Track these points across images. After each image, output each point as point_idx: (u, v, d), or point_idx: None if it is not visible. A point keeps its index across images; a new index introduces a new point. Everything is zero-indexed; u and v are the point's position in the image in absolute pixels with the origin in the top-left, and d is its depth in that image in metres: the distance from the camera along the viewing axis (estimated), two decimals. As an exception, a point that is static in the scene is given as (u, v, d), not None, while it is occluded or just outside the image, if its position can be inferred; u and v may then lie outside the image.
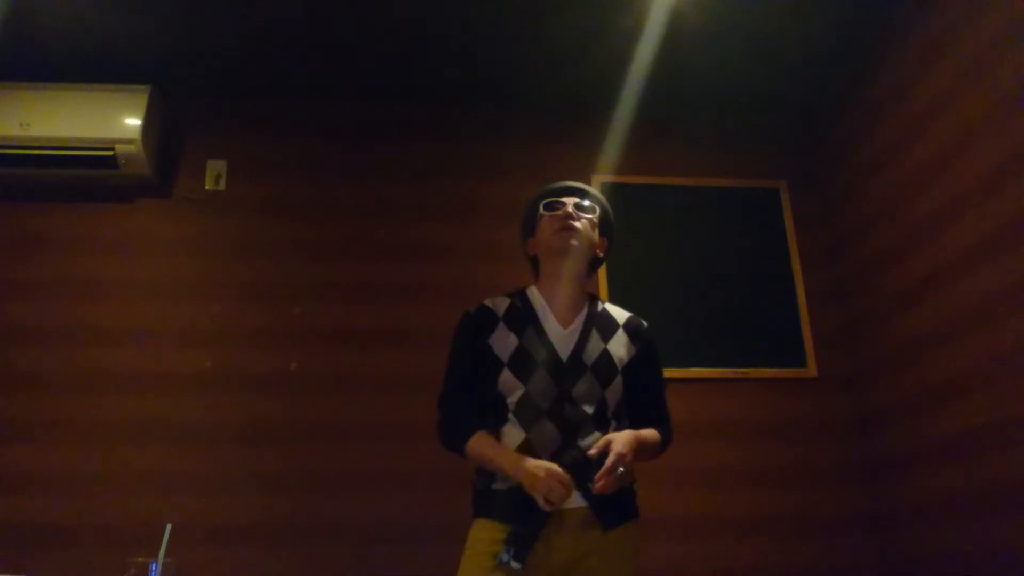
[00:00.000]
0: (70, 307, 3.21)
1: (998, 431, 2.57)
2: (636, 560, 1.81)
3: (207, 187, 3.45)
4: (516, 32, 3.29)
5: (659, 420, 1.94)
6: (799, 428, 3.33)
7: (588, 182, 3.60)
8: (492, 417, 1.85)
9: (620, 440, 1.71)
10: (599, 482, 1.66)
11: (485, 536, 1.75)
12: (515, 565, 1.65)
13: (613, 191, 3.60)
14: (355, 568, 2.96)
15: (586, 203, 1.95)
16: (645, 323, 2.00)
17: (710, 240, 3.58)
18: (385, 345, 3.26)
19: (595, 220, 1.96)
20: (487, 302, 1.95)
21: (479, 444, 1.80)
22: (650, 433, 1.86)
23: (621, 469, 1.67)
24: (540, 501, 1.67)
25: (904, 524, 3.06)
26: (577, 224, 1.90)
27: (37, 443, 3.02)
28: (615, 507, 1.79)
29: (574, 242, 1.89)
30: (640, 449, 1.78)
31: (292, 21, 3.21)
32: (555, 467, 1.68)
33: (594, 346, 1.87)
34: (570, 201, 1.93)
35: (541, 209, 1.95)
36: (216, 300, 3.28)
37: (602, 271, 3.45)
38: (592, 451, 1.70)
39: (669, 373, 3.29)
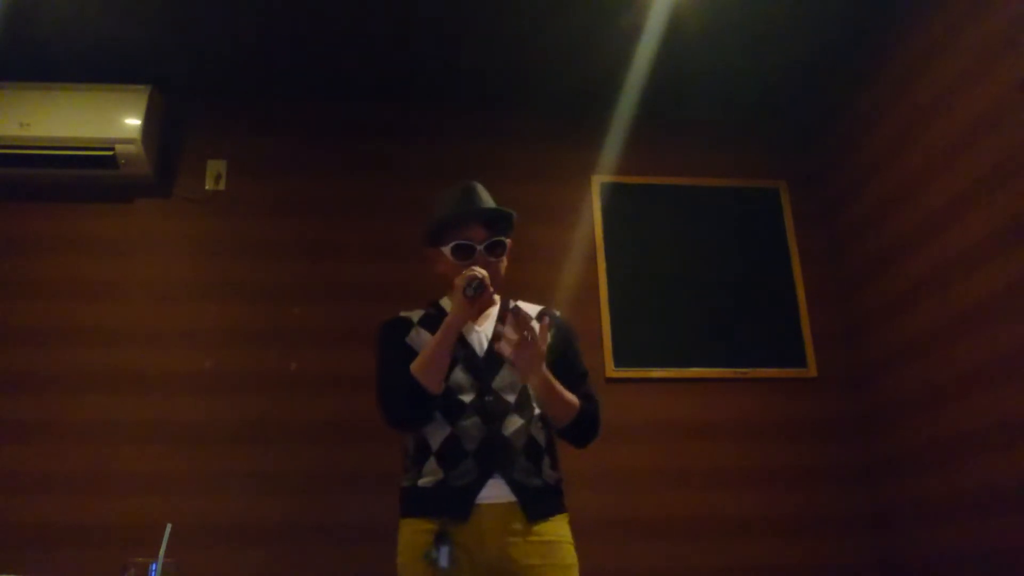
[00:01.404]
0: (70, 307, 3.20)
1: (998, 431, 2.57)
2: (572, 553, 1.82)
3: (207, 187, 3.45)
4: (516, 32, 3.29)
5: (582, 399, 1.92)
6: (799, 428, 3.33)
7: (588, 182, 3.60)
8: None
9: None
10: (505, 329, 1.70)
11: (417, 539, 1.76)
12: (443, 564, 1.65)
13: (613, 191, 3.60)
14: (356, 567, 2.96)
15: (498, 241, 1.89)
16: (557, 312, 2.04)
17: (710, 240, 3.58)
18: (385, 345, 3.25)
19: (505, 256, 1.92)
20: (403, 313, 1.99)
21: (415, 362, 1.80)
22: (568, 393, 1.86)
23: (528, 332, 1.68)
24: (469, 291, 1.73)
25: (904, 524, 3.06)
26: (490, 284, 1.83)
27: (37, 443, 3.02)
28: (542, 501, 1.82)
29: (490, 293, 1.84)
30: (552, 386, 1.80)
31: (292, 21, 3.21)
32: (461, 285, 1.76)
33: None
34: (480, 243, 1.88)
35: (449, 253, 1.90)
36: (216, 300, 3.28)
37: (602, 271, 3.45)
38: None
39: (670, 373, 3.34)
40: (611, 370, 3.33)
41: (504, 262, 1.95)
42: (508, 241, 1.93)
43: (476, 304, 1.78)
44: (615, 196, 3.60)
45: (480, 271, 1.78)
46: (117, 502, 2.96)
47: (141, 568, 1.43)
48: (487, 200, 1.98)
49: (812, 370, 3.42)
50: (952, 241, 2.81)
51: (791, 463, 3.28)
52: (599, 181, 3.61)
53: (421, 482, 1.82)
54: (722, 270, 3.54)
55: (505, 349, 1.73)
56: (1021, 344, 2.49)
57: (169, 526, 1.50)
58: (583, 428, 1.91)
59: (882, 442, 3.22)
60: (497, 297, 2.02)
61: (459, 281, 1.78)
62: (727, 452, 3.26)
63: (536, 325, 1.70)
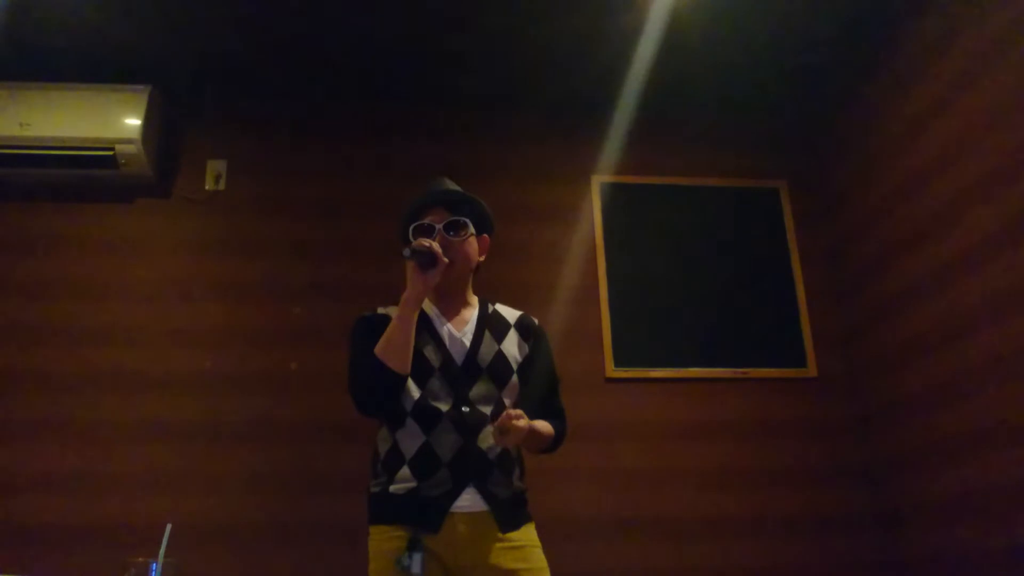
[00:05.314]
0: (70, 307, 3.20)
1: (998, 431, 2.57)
2: (543, 557, 1.81)
3: (207, 187, 3.45)
4: (516, 33, 3.29)
5: (553, 414, 1.94)
6: (799, 428, 3.33)
7: (588, 182, 3.60)
8: (392, 420, 1.85)
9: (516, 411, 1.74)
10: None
11: (388, 546, 1.74)
12: (416, 571, 1.65)
13: (613, 191, 3.60)
14: (355, 567, 2.96)
15: (457, 220, 1.89)
16: (535, 320, 2.03)
17: (710, 240, 3.58)
18: (385, 345, 3.25)
19: (468, 236, 1.91)
20: (380, 310, 1.96)
21: (379, 344, 1.79)
22: (542, 424, 1.87)
23: (515, 421, 1.69)
24: (407, 251, 1.73)
25: (905, 524, 3.06)
26: (447, 257, 1.82)
27: (38, 443, 3.01)
28: (512, 511, 1.82)
29: (448, 269, 1.83)
30: (536, 434, 1.81)
31: (292, 22, 3.21)
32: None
33: (488, 348, 1.89)
34: (440, 223, 1.88)
35: (411, 235, 1.89)
36: (216, 300, 3.28)
37: (602, 272, 3.45)
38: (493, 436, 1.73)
39: (670, 373, 3.34)
40: (611, 370, 3.33)
41: (472, 245, 1.93)
42: (469, 222, 1.90)
43: (428, 275, 1.76)
44: (615, 196, 3.60)
45: (429, 241, 1.78)
46: (117, 502, 2.96)
47: (141, 568, 1.42)
48: (453, 188, 1.97)
49: (812, 370, 3.42)
50: (952, 241, 2.81)
51: (791, 463, 3.28)
52: (599, 181, 3.61)
53: (393, 488, 1.80)
54: (722, 270, 3.54)
55: (495, 440, 1.75)
56: (1021, 344, 2.49)
57: (169, 526, 1.50)
58: (556, 447, 1.96)
59: (882, 442, 3.22)
60: (475, 299, 2.01)
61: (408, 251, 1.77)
62: (727, 452, 3.26)
63: (513, 418, 1.70)
